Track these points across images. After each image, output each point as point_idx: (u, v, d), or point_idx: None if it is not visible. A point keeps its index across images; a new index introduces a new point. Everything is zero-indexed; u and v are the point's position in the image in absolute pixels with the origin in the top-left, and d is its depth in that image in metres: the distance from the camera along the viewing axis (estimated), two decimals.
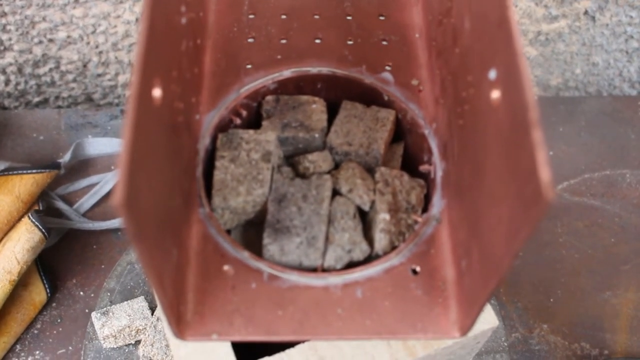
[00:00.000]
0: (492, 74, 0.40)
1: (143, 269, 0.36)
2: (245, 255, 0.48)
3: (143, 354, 0.61)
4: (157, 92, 0.38)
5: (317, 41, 0.58)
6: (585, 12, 1.01)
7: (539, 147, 0.33)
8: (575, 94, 1.14)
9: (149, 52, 0.36)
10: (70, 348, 0.81)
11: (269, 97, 0.56)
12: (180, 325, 0.45)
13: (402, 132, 0.57)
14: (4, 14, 0.94)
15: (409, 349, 0.52)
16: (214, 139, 0.53)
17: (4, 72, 1.02)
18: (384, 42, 0.59)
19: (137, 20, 0.96)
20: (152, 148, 0.37)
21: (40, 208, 0.84)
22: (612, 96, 1.07)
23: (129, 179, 0.31)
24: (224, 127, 0.55)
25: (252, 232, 0.53)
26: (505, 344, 0.76)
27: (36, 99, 1.06)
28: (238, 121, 0.56)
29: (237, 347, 0.52)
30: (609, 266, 0.87)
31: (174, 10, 0.44)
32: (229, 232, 0.52)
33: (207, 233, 0.49)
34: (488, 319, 0.54)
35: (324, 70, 0.57)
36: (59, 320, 0.83)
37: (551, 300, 0.85)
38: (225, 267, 0.48)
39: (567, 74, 1.11)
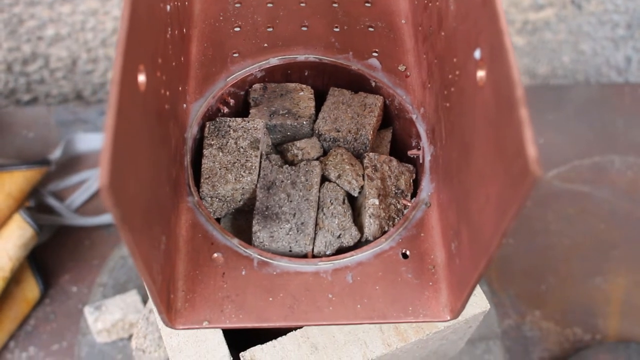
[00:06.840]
0: (477, 54, 0.41)
1: (130, 255, 0.36)
2: (234, 243, 0.48)
3: (136, 346, 0.61)
4: (141, 78, 0.38)
5: (304, 29, 0.58)
6: (572, 1, 1.01)
7: (525, 124, 0.33)
8: (564, 82, 1.14)
9: (132, 37, 0.36)
10: (64, 343, 0.81)
11: (257, 85, 0.56)
12: (170, 314, 0.45)
13: (390, 117, 0.57)
14: None
15: (401, 334, 0.52)
16: (201, 128, 0.53)
17: None
18: (371, 29, 0.59)
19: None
20: (136, 134, 0.37)
21: (31, 205, 0.84)
22: (599, 84, 1.08)
23: (112, 162, 0.31)
24: (211, 116, 0.54)
25: (242, 219, 0.53)
26: (498, 330, 0.76)
27: (26, 97, 1.06)
28: (226, 110, 0.55)
29: (229, 335, 0.52)
30: (599, 252, 0.88)
31: None
32: (218, 220, 0.52)
33: (196, 221, 0.49)
34: (479, 303, 0.53)
35: (311, 57, 0.57)
36: (52, 316, 0.83)
37: (543, 286, 0.85)
38: (215, 255, 0.48)
39: (555, 62, 1.11)
